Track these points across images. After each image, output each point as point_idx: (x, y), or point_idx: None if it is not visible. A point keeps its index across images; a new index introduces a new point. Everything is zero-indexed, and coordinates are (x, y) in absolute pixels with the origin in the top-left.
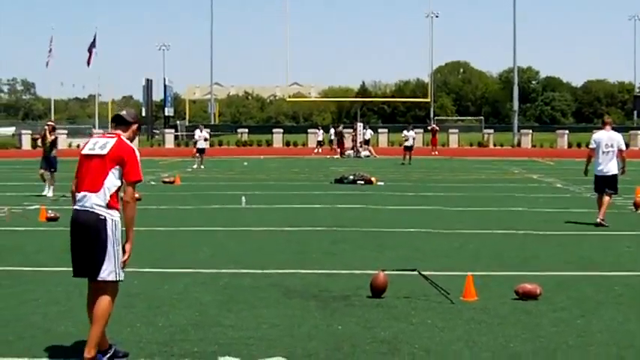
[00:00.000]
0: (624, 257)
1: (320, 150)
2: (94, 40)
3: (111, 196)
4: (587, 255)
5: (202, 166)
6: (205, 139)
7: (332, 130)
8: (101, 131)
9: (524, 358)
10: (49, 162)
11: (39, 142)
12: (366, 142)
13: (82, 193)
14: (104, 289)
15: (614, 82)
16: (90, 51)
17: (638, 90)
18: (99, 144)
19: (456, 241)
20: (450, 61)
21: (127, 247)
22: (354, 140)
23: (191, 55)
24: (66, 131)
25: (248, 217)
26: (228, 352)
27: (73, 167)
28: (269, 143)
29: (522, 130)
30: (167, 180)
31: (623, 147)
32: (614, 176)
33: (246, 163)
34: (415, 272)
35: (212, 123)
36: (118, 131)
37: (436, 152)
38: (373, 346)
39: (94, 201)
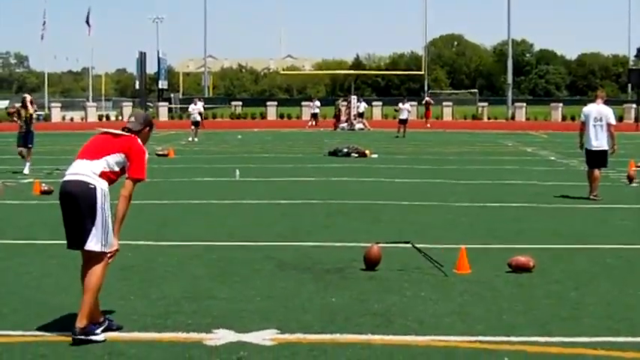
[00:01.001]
0: (618, 230)
1: (314, 123)
2: (89, 13)
3: (104, 170)
4: (581, 228)
5: (196, 139)
6: (200, 113)
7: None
8: (95, 105)
9: (518, 331)
10: (26, 138)
11: (15, 117)
12: (360, 115)
13: (77, 161)
14: (94, 259)
15: (608, 55)
16: (88, 23)
17: (632, 63)
18: (115, 130)
19: (450, 214)
20: (444, 34)
21: (114, 241)
22: (348, 113)
23: (185, 28)
24: (60, 104)
25: (242, 190)
26: (221, 325)
27: (67, 140)
28: (263, 116)
29: (516, 103)
30: (161, 153)
31: (612, 121)
32: (605, 151)
33: (240, 136)
34: (409, 245)
35: (206, 96)
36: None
37: (429, 125)
38: (367, 319)
39: (87, 167)
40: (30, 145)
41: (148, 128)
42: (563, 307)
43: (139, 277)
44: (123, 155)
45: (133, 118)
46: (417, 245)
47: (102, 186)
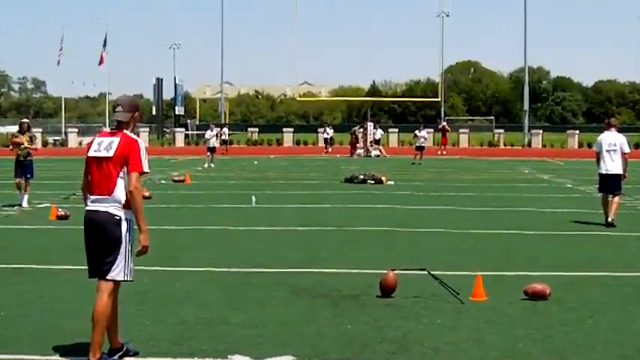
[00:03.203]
0: (633, 258)
1: (330, 149)
2: (105, 39)
3: (124, 196)
4: (596, 255)
5: (212, 165)
6: (219, 136)
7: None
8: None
9: (534, 358)
10: (25, 167)
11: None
12: (377, 141)
13: (95, 196)
14: (109, 289)
15: (624, 82)
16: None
17: None
18: (104, 144)
19: (466, 241)
20: (460, 61)
21: (142, 237)
22: (364, 140)
23: (202, 54)
24: (76, 130)
25: (258, 217)
26: (237, 350)
27: (83, 166)
28: (279, 142)
29: (533, 130)
30: (177, 179)
31: (627, 149)
32: (618, 175)
33: (256, 162)
34: (425, 272)
35: (222, 122)
36: (122, 129)
37: (444, 152)
38: (382, 346)
39: (109, 202)
40: (29, 176)
41: (136, 113)
42: (579, 334)
43: (154, 302)
44: (125, 166)
45: (120, 108)
46: (433, 272)
47: (127, 216)
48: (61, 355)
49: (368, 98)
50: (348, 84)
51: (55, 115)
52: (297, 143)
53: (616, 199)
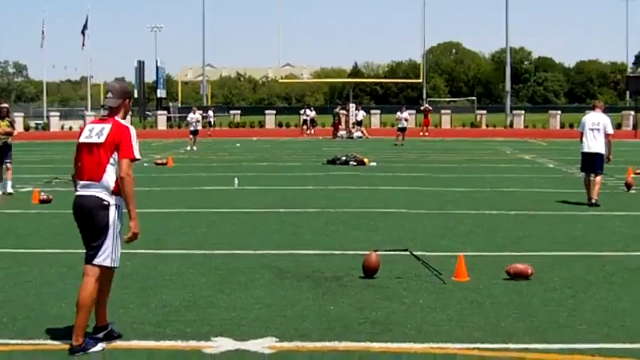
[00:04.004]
0: (616, 237)
1: (312, 131)
2: (86, 22)
3: (114, 183)
4: (579, 235)
5: (195, 148)
6: (197, 121)
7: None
8: (93, 114)
9: (516, 338)
10: (5, 153)
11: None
12: (359, 123)
13: (85, 182)
14: (95, 274)
15: (606, 62)
16: (83, 33)
17: (630, 70)
18: (95, 130)
19: (448, 222)
20: (442, 42)
21: (132, 224)
22: (346, 121)
23: (183, 37)
24: (58, 114)
25: (241, 199)
26: (221, 333)
27: (65, 149)
28: (261, 125)
29: (515, 111)
30: (160, 162)
31: (610, 130)
32: (600, 155)
33: (238, 145)
34: (407, 252)
35: (204, 104)
36: (112, 115)
37: (427, 133)
38: (365, 327)
39: (98, 188)
40: (8, 161)
41: (127, 100)
42: (561, 314)
43: (138, 285)
44: (116, 152)
45: (110, 94)
46: (416, 253)
47: (116, 202)
48: (48, 340)
49: (350, 80)
50: (330, 66)
51: (37, 99)
52: (280, 125)
53: (598, 178)
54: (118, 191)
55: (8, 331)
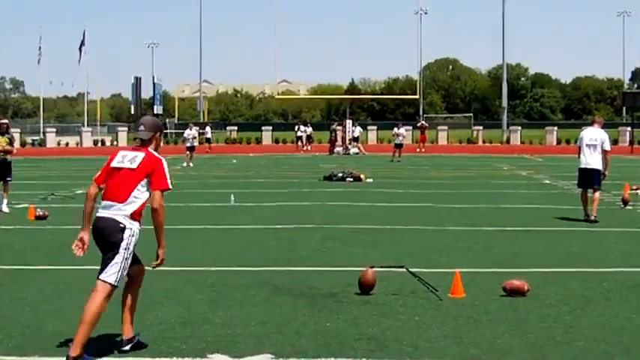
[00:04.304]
0: (613, 253)
1: (309, 147)
2: (83, 38)
3: (136, 208)
4: (576, 251)
5: (192, 164)
6: (194, 137)
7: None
8: (90, 130)
9: (512, 355)
10: (4, 170)
11: None
12: (355, 139)
13: (108, 202)
14: (104, 290)
15: (603, 78)
16: (80, 49)
17: (626, 86)
18: (128, 157)
19: (445, 238)
20: (439, 58)
21: (160, 252)
22: (343, 137)
23: (180, 53)
24: (55, 130)
25: (237, 215)
26: (216, 350)
27: (61, 165)
28: (258, 141)
29: (511, 127)
30: None
31: (608, 147)
32: (597, 171)
33: (235, 161)
34: (403, 269)
35: (201, 121)
36: (145, 146)
37: (423, 149)
38: (361, 343)
39: (118, 209)
40: (9, 179)
41: (158, 133)
42: (558, 330)
43: None
44: (146, 180)
45: (142, 127)
46: (412, 269)
47: (132, 227)
48: (42, 356)
49: (347, 96)
50: (326, 82)
51: (34, 115)
52: (276, 141)
53: (596, 194)
54: (136, 217)
55: (3, 348)
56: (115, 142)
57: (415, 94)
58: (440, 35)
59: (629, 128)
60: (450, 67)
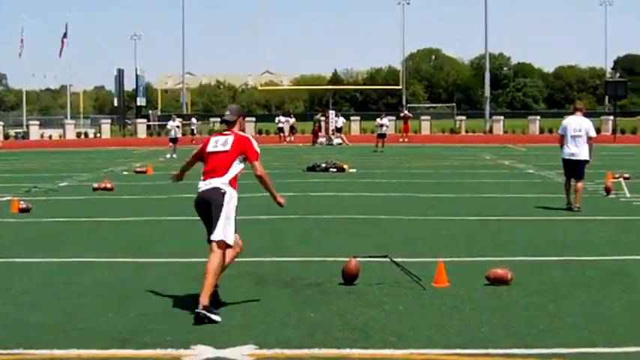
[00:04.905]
0: (595, 242)
1: (292, 138)
2: (66, 30)
3: (232, 177)
4: (558, 240)
5: (175, 156)
6: (178, 128)
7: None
8: (73, 122)
9: (496, 343)
10: None
11: None
12: (339, 129)
13: (208, 180)
14: (215, 250)
15: (585, 67)
16: (62, 41)
17: (609, 75)
18: (220, 142)
19: (429, 228)
20: (421, 48)
21: (280, 199)
22: (326, 128)
23: (163, 45)
24: (38, 122)
25: None
26: (200, 341)
27: (45, 158)
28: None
29: (494, 117)
30: (139, 170)
31: (593, 134)
32: (582, 161)
33: None
34: (387, 259)
35: (184, 112)
36: (230, 129)
37: (406, 139)
38: (345, 333)
39: (217, 181)
40: None
41: (242, 117)
42: (541, 319)
43: (117, 293)
44: (240, 157)
45: (228, 112)
46: (396, 259)
47: (230, 191)
48: (25, 349)
49: (330, 87)
50: (309, 73)
51: (17, 107)
52: (260, 132)
53: (579, 184)
54: (233, 184)
55: None
56: (98, 135)
57: (398, 85)
58: (422, 25)
59: (611, 117)
60: (433, 57)
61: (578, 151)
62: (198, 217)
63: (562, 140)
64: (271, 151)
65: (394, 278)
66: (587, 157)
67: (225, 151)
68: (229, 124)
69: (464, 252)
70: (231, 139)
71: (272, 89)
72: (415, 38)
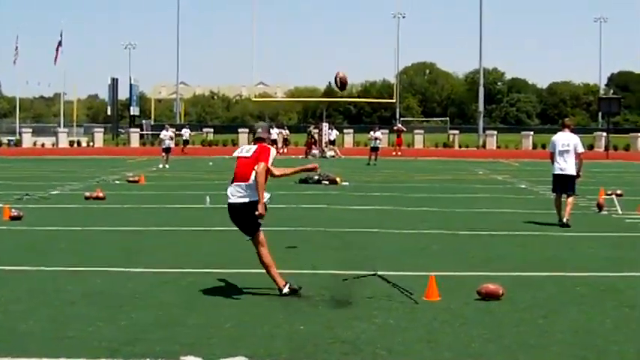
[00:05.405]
0: (587, 258)
1: (285, 150)
2: (61, 38)
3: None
4: (550, 255)
5: (167, 166)
6: (170, 138)
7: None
8: (66, 130)
9: (487, 358)
10: None
11: None
12: (332, 142)
13: (237, 183)
14: (257, 245)
15: (579, 83)
16: (57, 49)
17: (602, 92)
18: (245, 149)
19: (420, 242)
20: (416, 62)
21: (259, 206)
22: (319, 140)
23: (157, 54)
24: (31, 130)
25: (212, 217)
26: (190, 352)
27: (37, 165)
28: (234, 143)
29: (487, 131)
30: (132, 179)
31: (580, 149)
32: (572, 176)
33: (211, 163)
34: (375, 276)
35: (178, 122)
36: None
37: (399, 153)
38: (335, 346)
39: (245, 187)
40: None
41: (268, 133)
42: (532, 334)
43: (107, 303)
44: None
45: (260, 130)
46: (387, 272)
47: (254, 198)
48: (15, 358)
49: (323, 99)
50: (303, 85)
51: (10, 115)
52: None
53: (570, 199)
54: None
55: None
56: (91, 144)
57: (392, 98)
58: (417, 39)
59: (604, 133)
60: (427, 71)
61: (567, 166)
62: (189, 228)
63: (552, 157)
64: None
65: (385, 292)
66: (574, 172)
67: (247, 157)
68: (259, 140)
69: (455, 266)
70: (254, 148)
71: (266, 101)
72: (410, 52)
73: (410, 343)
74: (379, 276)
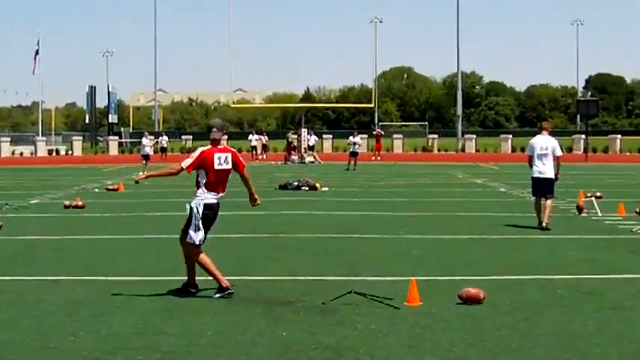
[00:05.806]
0: (567, 260)
1: (265, 156)
2: (38, 47)
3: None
4: (531, 258)
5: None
6: (150, 146)
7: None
8: (44, 139)
9: None
10: None
11: None
12: (311, 148)
13: (221, 194)
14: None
15: (557, 86)
16: (35, 58)
17: (580, 94)
18: (222, 159)
19: (401, 246)
20: (394, 67)
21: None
22: (298, 146)
23: (135, 62)
24: (9, 139)
25: None
26: None
27: (16, 175)
28: None
29: (466, 135)
30: (111, 187)
31: (559, 152)
32: (550, 179)
33: None
34: (351, 293)
35: (156, 130)
36: (223, 141)
37: (379, 158)
38: (317, 352)
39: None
40: None
41: (226, 132)
42: (514, 338)
43: (88, 312)
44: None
45: (215, 129)
46: (368, 278)
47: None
48: None
49: (302, 105)
50: (282, 90)
51: None
52: None
53: (548, 202)
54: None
55: None
56: (69, 152)
57: (370, 103)
58: (395, 44)
59: (583, 136)
60: (405, 75)
61: (546, 169)
62: (169, 235)
63: (530, 160)
64: None
65: (367, 297)
66: (553, 175)
67: (228, 170)
68: (216, 142)
69: (436, 271)
70: (230, 156)
71: (244, 107)
72: (387, 56)
73: (392, 348)
74: (356, 292)
